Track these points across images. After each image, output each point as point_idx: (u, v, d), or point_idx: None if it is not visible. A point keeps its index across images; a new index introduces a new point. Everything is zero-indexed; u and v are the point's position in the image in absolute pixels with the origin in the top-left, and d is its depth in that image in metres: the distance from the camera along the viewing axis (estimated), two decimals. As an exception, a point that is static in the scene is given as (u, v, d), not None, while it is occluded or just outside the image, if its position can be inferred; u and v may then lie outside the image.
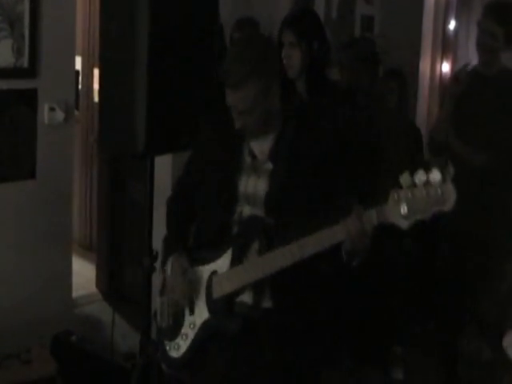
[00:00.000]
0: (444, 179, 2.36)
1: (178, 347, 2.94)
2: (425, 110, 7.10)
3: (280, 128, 2.82)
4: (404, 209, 2.42)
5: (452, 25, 7.01)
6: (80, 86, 6.42)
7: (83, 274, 5.80)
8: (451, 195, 2.36)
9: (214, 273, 2.84)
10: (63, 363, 4.25)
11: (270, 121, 2.79)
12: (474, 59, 4.62)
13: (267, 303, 2.79)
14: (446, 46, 7.02)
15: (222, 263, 2.82)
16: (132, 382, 3.49)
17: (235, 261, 2.78)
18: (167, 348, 2.98)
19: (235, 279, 2.76)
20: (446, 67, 7.08)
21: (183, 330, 2.92)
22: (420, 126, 6.02)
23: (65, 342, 4.43)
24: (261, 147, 2.83)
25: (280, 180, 2.78)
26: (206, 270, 2.86)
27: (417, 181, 2.39)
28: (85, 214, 6.90)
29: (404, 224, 2.44)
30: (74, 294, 4.99)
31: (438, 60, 7.08)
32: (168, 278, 2.95)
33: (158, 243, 3.61)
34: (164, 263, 3.00)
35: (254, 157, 2.84)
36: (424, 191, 2.38)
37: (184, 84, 3.29)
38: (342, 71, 5.13)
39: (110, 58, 3.26)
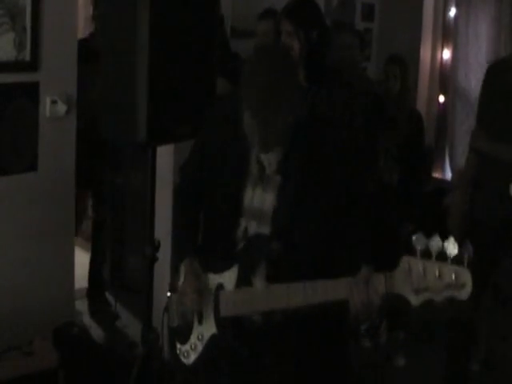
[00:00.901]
0: (461, 259, 2.16)
1: (188, 355, 2.87)
2: (425, 96, 7.13)
3: (290, 139, 2.64)
4: (415, 283, 2.21)
5: (452, 12, 7.03)
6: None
7: (85, 265, 5.81)
8: (467, 283, 2.16)
9: (220, 286, 2.75)
10: (65, 355, 4.25)
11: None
12: (473, 46, 4.65)
13: (278, 317, 2.68)
14: (447, 33, 7.04)
15: (229, 279, 2.72)
16: (134, 372, 3.49)
17: (241, 280, 2.68)
18: (178, 352, 2.91)
19: (243, 305, 2.67)
20: (446, 54, 7.10)
21: (192, 339, 2.85)
22: (421, 110, 6.06)
23: (67, 333, 4.44)
24: (270, 157, 2.67)
25: (289, 196, 2.65)
26: (212, 279, 2.78)
27: (431, 247, 2.19)
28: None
29: (415, 300, 2.24)
30: (76, 285, 4.99)
31: (439, 47, 7.11)
32: (181, 283, 2.85)
33: (159, 233, 3.63)
34: (177, 261, 2.93)
35: (262, 167, 2.70)
36: (437, 270, 2.18)
37: (185, 73, 3.29)
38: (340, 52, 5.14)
39: (110, 47, 3.26)
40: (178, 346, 2.91)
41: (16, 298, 4.50)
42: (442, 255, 2.19)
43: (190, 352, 2.86)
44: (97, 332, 4.86)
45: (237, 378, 2.83)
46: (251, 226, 2.72)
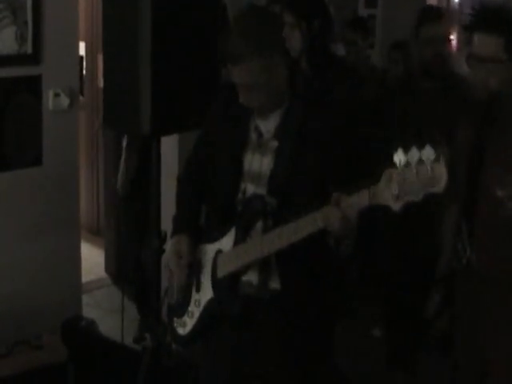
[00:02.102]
0: (437, 158, 2.24)
1: (185, 324, 2.95)
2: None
3: (287, 105, 2.77)
4: (395, 189, 2.31)
5: (456, -4, 7.00)
6: (84, 72, 6.42)
7: (92, 259, 5.82)
8: (442, 176, 2.25)
9: (219, 251, 2.83)
10: (74, 348, 4.25)
11: (275, 98, 2.74)
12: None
13: (275, 283, 2.77)
14: (451, 17, 6.99)
15: (226, 242, 2.81)
16: (142, 365, 3.49)
17: (239, 240, 2.77)
18: (175, 325, 2.99)
19: (237, 258, 2.75)
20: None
21: (190, 308, 2.93)
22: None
23: (75, 327, 4.43)
24: (267, 124, 2.80)
25: (285, 159, 2.74)
26: (212, 249, 2.86)
27: (410, 159, 2.27)
28: (92, 199, 6.91)
29: (395, 206, 2.33)
30: (83, 279, 4.99)
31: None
32: (168, 259, 2.96)
33: (166, 225, 3.62)
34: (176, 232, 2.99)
35: (260, 134, 2.81)
36: (415, 170, 2.27)
37: (188, 64, 3.27)
38: (347, 47, 5.16)
39: (113, 38, 3.25)
40: (175, 319, 3.00)
41: (24, 292, 4.50)
42: (422, 162, 2.27)
43: (186, 321, 2.94)
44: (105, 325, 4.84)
45: (230, 340, 2.88)
46: (249, 189, 2.81)
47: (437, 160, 2.24)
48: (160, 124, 3.23)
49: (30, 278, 4.53)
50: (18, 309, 4.44)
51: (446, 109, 3.80)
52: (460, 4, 6.99)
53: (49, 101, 4.49)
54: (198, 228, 2.98)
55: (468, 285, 3.24)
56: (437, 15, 4.19)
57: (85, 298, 5.15)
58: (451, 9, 7.10)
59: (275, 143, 2.77)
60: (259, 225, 2.73)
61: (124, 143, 5.05)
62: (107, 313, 5.34)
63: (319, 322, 2.85)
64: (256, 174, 2.80)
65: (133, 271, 4.98)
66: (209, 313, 2.87)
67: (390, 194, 2.33)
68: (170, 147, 4.45)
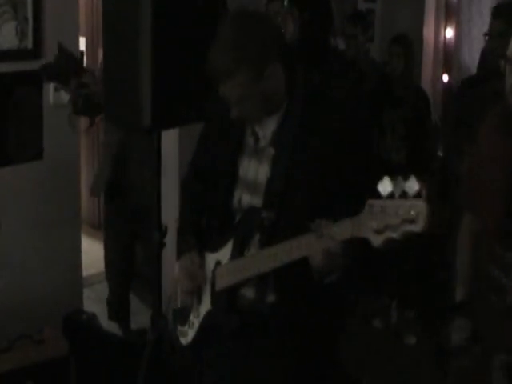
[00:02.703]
0: (419, 192, 2.11)
1: (186, 334, 2.90)
2: (429, 75, 7.10)
3: (284, 109, 2.61)
4: (376, 223, 2.19)
5: (455, -10, 7.00)
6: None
7: (93, 253, 5.82)
8: (422, 213, 2.11)
9: (218, 263, 2.75)
10: (75, 342, 4.26)
11: (269, 104, 2.59)
12: (477, 23, 4.62)
13: (271, 297, 2.67)
14: (449, 11, 7.01)
15: (224, 254, 2.73)
16: (144, 358, 3.50)
17: (235, 254, 2.68)
18: (178, 333, 2.95)
19: (234, 273, 2.67)
20: (449, 33, 7.07)
21: (191, 318, 2.88)
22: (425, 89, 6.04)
23: (76, 321, 4.44)
24: (264, 129, 2.65)
25: (282, 169, 2.60)
26: (212, 258, 2.78)
27: (394, 190, 2.16)
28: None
29: (376, 241, 2.21)
30: (84, 273, 5.00)
31: (442, 25, 7.08)
32: (177, 277, 2.89)
33: (166, 218, 3.62)
34: (179, 254, 2.92)
35: (256, 138, 2.68)
36: (397, 203, 2.14)
37: (189, 56, 3.25)
38: (347, 41, 5.16)
39: (114, 32, 3.24)
40: (179, 327, 2.95)
41: (25, 287, 4.52)
42: (406, 194, 2.17)
43: (187, 331, 2.89)
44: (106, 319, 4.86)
45: (227, 352, 2.82)
46: (245, 198, 2.71)
47: (418, 195, 2.13)
48: (161, 117, 3.21)
49: (30, 273, 4.55)
50: (19, 303, 4.45)
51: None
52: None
53: (49, 95, 4.51)
54: (201, 235, 2.89)
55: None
56: None
57: (86, 292, 5.17)
58: (449, 3, 7.09)
59: (272, 151, 2.64)
60: (256, 238, 2.65)
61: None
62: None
63: (318, 335, 2.74)
64: (251, 182, 2.69)
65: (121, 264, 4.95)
66: (206, 325, 2.81)
67: (371, 226, 2.22)
68: (170, 141, 4.47)
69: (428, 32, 7.15)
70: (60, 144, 4.58)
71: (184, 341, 2.92)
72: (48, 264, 4.62)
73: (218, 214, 2.79)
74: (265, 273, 2.59)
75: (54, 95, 4.51)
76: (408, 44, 5.49)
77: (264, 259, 2.56)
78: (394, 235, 2.18)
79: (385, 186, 2.19)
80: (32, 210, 4.52)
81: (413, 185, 2.14)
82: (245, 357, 2.78)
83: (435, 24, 7.12)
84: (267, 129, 2.64)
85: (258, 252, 2.62)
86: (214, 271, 2.77)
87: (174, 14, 3.19)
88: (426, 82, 7.02)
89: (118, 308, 4.82)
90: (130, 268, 4.74)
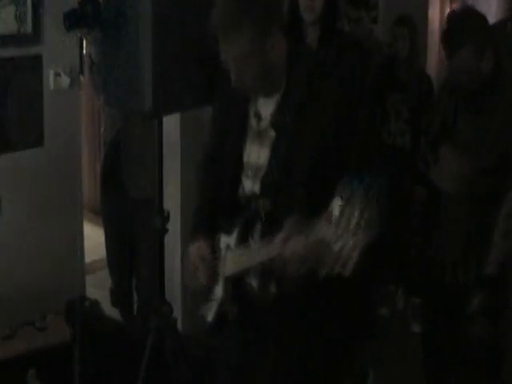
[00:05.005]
0: (367, 201, 2.04)
1: (207, 315, 2.86)
2: (435, 56, 7.05)
3: (284, 90, 2.56)
4: (333, 229, 2.10)
5: (460, -32, 6.94)
6: (85, 51, 6.36)
7: (94, 238, 5.79)
8: (350, 260, 2.05)
9: (228, 247, 2.72)
10: (78, 329, 4.24)
11: (268, 76, 2.54)
12: (483, 3, 4.57)
13: (273, 288, 2.65)
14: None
15: (232, 240, 2.70)
16: (148, 345, 3.47)
17: (240, 242, 2.65)
18: (202, 312, 2.89)
19: (238, 261, 2.64)
20: (455, 13, 6.99)
21: (210, 299, 2.83)
22: (430, 73, 5.98)
23: (79, 307, 4.42)
24: (265, 110, 2.61)
25: (281, 155, 2.56)
26: (224, 242, 2.75)
27: (347, 207, 2.07)
28: (94, 178, 6.89)
29: (335, 246, 2.11)
30: (86, 259, 4.98)
31: (447, 5, 7.01)
32: (188, 263, 2.84)
33: (168, 204, 3.61)
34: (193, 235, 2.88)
35: (259, 120, 2.63)
36: (350, 211, 2.06)
37: (191, 40, 3.21)
38: (350, 24, 5.12)
39: (112, 14, 3.20)
40: (201, 306, 2.89)
41: (27, 273, 4.50)
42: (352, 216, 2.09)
43: (207, 312, 2.85)
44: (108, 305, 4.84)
45: (233, 340, 2.84)
46: (247, 184, 2.68)
47: (355, 231, 2.05)
48: (162, 102, 3.18)
49: (32, 259, 4.53)
50: (21, 290, 4.43)
51: None
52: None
53: (49, 81, 4.48)
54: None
55: None
56: None
57: (88, 279, 5.14)
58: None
59: (273, 133, 2.59)
60: (258, 229, 2.62)
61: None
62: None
63: (324, 327, 2.73)
64: (253, 166, 2.65)
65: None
66: (221, 311, 2.79)
67: (330, 233, 2.13)
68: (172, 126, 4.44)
69: (433, 12, 7.08)
70: (61, 130, 4.56)
71: (208, 319, 2.87)
72: (50, 251, 4.60)
73: (227, 199, 2.76)
74: (265, 264, 2.54)
75: (54, 81, 4.47)
76: (412, 25, 5.43)
77: (261, 249, 2.51)
78: (325, 270, 2.13)
79: (335, 209, 2.11)
80: (33, 196, 4.50)
81: (354, 212, 2.06)
82: (250, 346, 2.78)
83: (440, 4, 7.06)
84: (267, 110, 2.60)
85: (259, 242, 2.58)
86: (224, 255, 2.73)
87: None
88: (431, 63, 6.96)
89: (121, 295, 4.80)
90: (132, 256, 4.71)
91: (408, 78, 5.35)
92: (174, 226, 3.86)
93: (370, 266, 2.56)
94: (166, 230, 3.50)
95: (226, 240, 2.73)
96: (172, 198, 3.72)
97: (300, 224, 2.32)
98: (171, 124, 4.36)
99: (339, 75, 2.72)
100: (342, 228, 2.08)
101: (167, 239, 3.56)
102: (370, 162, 2.63)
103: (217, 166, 2.84)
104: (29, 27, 4.32)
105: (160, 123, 3.45)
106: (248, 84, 2.56)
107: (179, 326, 3.92)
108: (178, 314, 3.83)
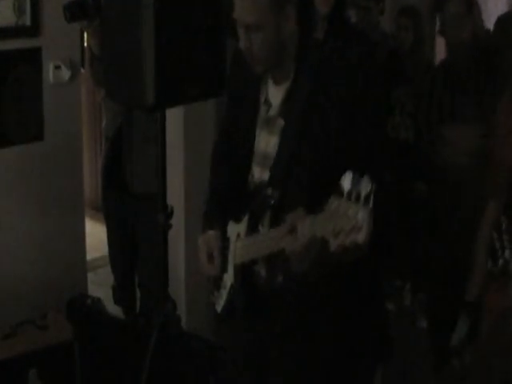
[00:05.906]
0: (367, 198, 1.99)
1: (218, 303, 2.84)
2: (443, 48, 6.98)
3: (292, 78, 2.55)
4: (333, 225, 2.05)
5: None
6: (85, 44, 6.34)
7: (96, 235, 5.77)
8: (364, 224, 1.99)
9: (238, 235, 2.69)
10: (79, 327, 4.21)
11: (279, 51, 2.52)
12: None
13: (280, 278, 2.63)
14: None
15: (242, 229, 2.67)
16: (151, 341, 3.45)
17: (249, 231, 2.63)
18: (212, 299, 2.87)
19: (248, 250, 2.61)
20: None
21: (221, 287, 2.81)
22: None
23: (80, 305, 4.39)
24: (276, 97, 2.60)
25: (289, 143, 2.55)
26: (234, 230, 2.71)
27: (352, 188, 2.02)
28: (95, 174, 6.86)
29: (333, 244, 2.08)
30: (88, 256, 4.96)
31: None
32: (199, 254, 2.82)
33: (172, 199, 3.57)
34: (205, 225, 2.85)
35: (269, 107, 2.63)
36: (352, 207, 2.01)
37: (194, 33, 3.20)
38: (358, 13, 5.08)
39: (113, 5, 3.17)
40: (214, 292, 2.87)
41: (27, 271, 4.47)
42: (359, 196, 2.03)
43: (219, 300, 2.83)
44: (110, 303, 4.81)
45: (240, 328, 2.83)
46: (256, 172, 2.68)
47: (366, 202, 2.00)
48: (165, 95, 3.14)
49: (33, 257, 4.49)
50: (22, 288, 4.40)
51: None
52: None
53: (49, 74, 4.43)
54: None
55: (500, 297, 2.96)
56: None
57: (90, 276, 5.12)
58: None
59: (282, 122, 2.58)
60: (267, 217, 2.59)
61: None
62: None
63: (328, 318, 2.67)
64: (262, 154, 2.65)
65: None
66: (231, 299, 2.76)
67: (330, 228, 2.09)
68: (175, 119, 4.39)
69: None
70: (61, 124, 4.52)
71: (217, 308, 2.85)
72: (51, 247, 4.57)
73: (237, 186, 2.75)
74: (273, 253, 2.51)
75: (53, 73, 4.43)
76: (416, 15, 5.38)
77: (268, 239, 2.48)
78: (346, 243, 2.06)
79: (346, 183, 2.06)
80: (33, 192, 4.46)
81: (366, 185, 2.02)
82: (258, 334, 2.76)
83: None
84: (277, 98, 2.60)
85: (267, 232, 2.55)
86: (235, 243, 2.70)
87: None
88: (440, 55, 6.88)
89: (124, 293, 4.76)
90: (134, 253, 4.67)
91: (413, 71, 5.30)
92: (178, 222, 3.82)
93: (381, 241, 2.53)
94: (169, 226, 3.47)
95: (236, 228, 2.71)
96: (175, 194, 3.68)
97: (306, 214, 2.28)
98: (174, 117, 4.32)
99: (347, 66, 2.65)
100: (354, 198, 2.03)
101: (170, 235, 3.53)
102: (378, 156, 2.60)
103: (228, 153, 2.84)
104: (27, 19, 4.28)
105: (162, 116, 3.41)
106: (256, 56, 2.53)
107: (183, 323, 3.90)
108: (181, 310, 3.80)
